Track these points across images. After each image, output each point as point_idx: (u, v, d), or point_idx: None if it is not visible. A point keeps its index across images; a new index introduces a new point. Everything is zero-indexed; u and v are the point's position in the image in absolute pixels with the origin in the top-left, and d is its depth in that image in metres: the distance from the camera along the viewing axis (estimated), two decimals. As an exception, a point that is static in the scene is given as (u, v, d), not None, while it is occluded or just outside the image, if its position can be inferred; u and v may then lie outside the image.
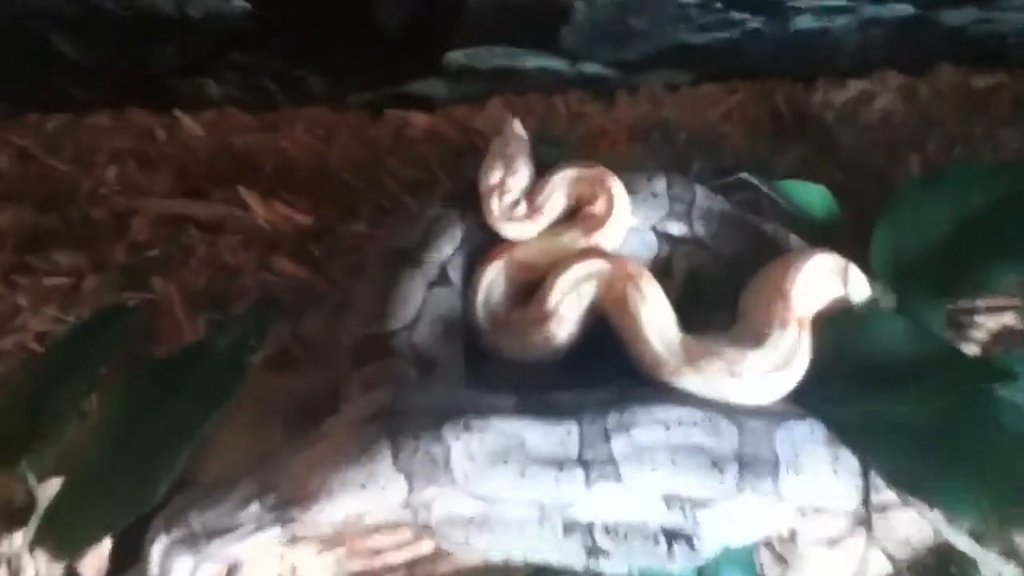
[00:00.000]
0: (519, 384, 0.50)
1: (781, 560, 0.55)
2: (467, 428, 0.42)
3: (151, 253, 0.90)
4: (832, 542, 0.55)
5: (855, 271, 0.56)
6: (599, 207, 0.57)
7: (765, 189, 0.70)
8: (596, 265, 0.54)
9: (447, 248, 0.56)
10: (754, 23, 0.89)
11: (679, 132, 0.95)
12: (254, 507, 0.44)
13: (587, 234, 0.56)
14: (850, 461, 0.49)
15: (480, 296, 0.55)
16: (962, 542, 0.55)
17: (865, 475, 0.50)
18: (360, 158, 0.95)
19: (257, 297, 0.88)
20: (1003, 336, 0.68)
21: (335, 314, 0.88)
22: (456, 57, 0.92)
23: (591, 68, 0.95)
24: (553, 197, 0.57)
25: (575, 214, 0.58)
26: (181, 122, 0.98)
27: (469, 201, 0.57)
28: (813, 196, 0.70)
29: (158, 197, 0.93)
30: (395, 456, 0.42)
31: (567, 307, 0.53)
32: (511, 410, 0.44)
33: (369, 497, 0.42)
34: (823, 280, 0.55)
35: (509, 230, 0.57)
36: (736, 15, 0.88)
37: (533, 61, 0.93)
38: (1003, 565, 0.57)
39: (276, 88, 0.96)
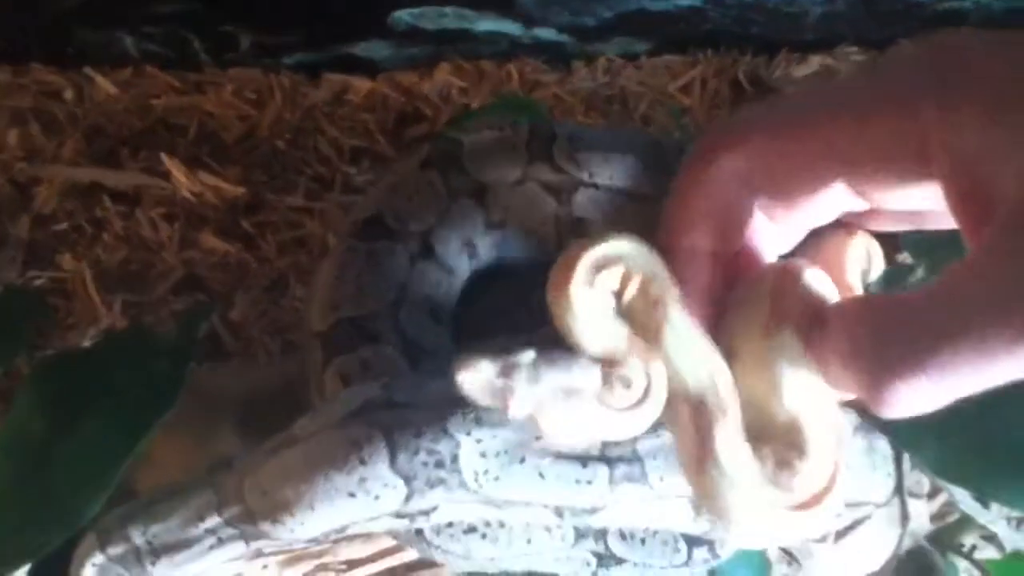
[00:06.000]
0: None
1: (788, 556, 0.51)
2: (478, 422, 0.36)
3: (58, 227, 0.81)
4: (839, 535, 0.51)
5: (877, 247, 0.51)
6: None
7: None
8: None
9: (429, 217, 0.49)
10: (719, -10, 0.85)
11: (638, 103, 0.91)
12: (212, 520, 0.37)
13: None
14: (885, 450, 0.45)
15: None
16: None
17: (898, 462, 0.45)
18: (295, 124, 0.88)
19: (180, 276, 0.80)
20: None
21: (269, 297, 0.81)
22: (402, 16, 0.85)
23: (546, 33, 0.89)
24: None
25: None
26: (92, 80, 0.87)
27: (450, 163, 0.50)
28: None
29: (66, 164, 0.84)
30: (392, 457, 0.35)
31: None
32: (524, 401, 0.38)
33: (358, 507, 0.35)
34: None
35: None
36: (702, -20, 0.84)
37: (485, 24, 0.87)
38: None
39: (201, 45, 0.87)
